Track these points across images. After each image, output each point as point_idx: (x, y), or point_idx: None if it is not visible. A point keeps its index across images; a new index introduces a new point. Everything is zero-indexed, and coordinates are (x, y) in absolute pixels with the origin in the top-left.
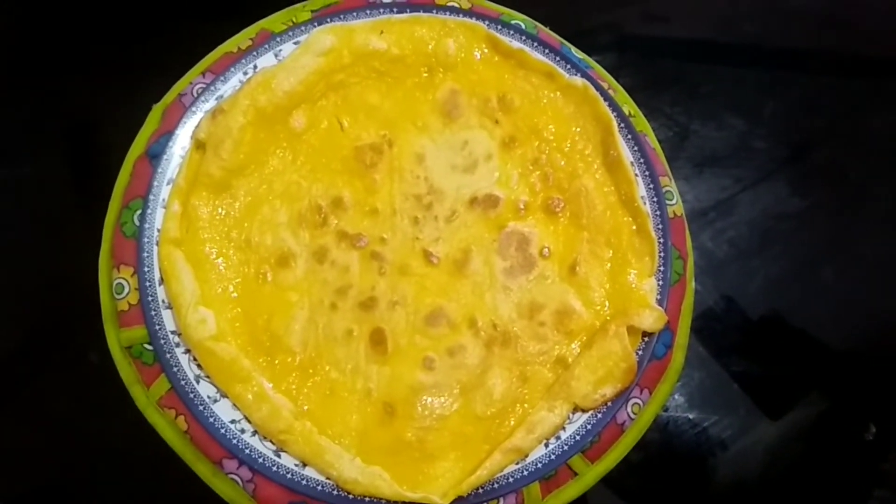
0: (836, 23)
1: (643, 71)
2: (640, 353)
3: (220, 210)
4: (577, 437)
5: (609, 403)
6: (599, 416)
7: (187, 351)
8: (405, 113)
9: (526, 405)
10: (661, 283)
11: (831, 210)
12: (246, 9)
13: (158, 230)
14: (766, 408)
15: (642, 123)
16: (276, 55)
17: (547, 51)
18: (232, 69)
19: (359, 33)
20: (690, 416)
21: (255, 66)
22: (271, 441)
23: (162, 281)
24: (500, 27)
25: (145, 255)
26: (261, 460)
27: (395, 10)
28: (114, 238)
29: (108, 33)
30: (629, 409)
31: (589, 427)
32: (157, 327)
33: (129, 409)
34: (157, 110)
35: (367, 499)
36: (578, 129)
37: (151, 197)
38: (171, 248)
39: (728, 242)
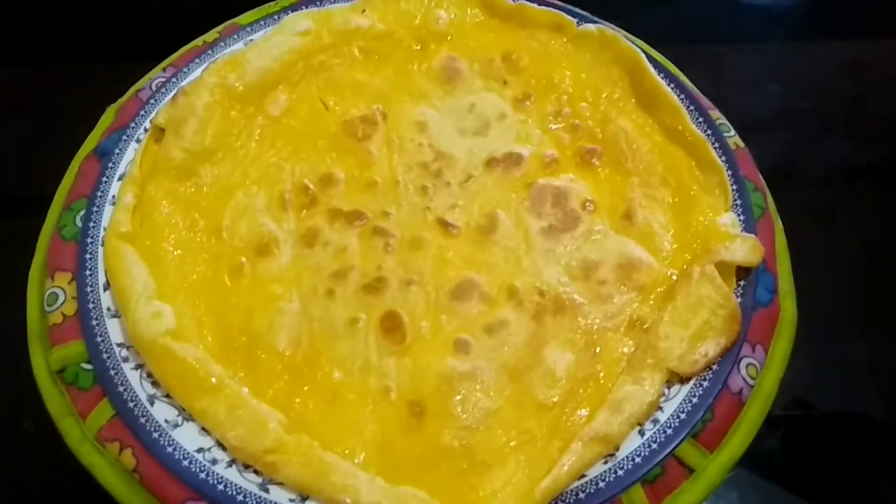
0: None
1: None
2: (740, 301)
3: (182, 198)
4: (682, 416)
5: (714, 366)
6: (706, 384)
7: (138, 367)
8: (398, 85)
9: (602, 382)
10: (742, 217)
11: None
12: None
13: (105, 229)
14: None
15: (672, 68)
16: (245, 45)
17: (549, 8)
18: (196, 61)
19: (338, 14)
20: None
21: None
22: (255, 470)
23: (108, 286)
24: None
25: (87, 256)
26: (241, 498)
27: None
28: (50, 244)
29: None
30: (744, 372)
31: (695, 400)
32: (100, 339)
33: (54, 454)
34: (111, 111)
35: None
36: (600, 75)
37: (99, 194)
38: (119, 242)
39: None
